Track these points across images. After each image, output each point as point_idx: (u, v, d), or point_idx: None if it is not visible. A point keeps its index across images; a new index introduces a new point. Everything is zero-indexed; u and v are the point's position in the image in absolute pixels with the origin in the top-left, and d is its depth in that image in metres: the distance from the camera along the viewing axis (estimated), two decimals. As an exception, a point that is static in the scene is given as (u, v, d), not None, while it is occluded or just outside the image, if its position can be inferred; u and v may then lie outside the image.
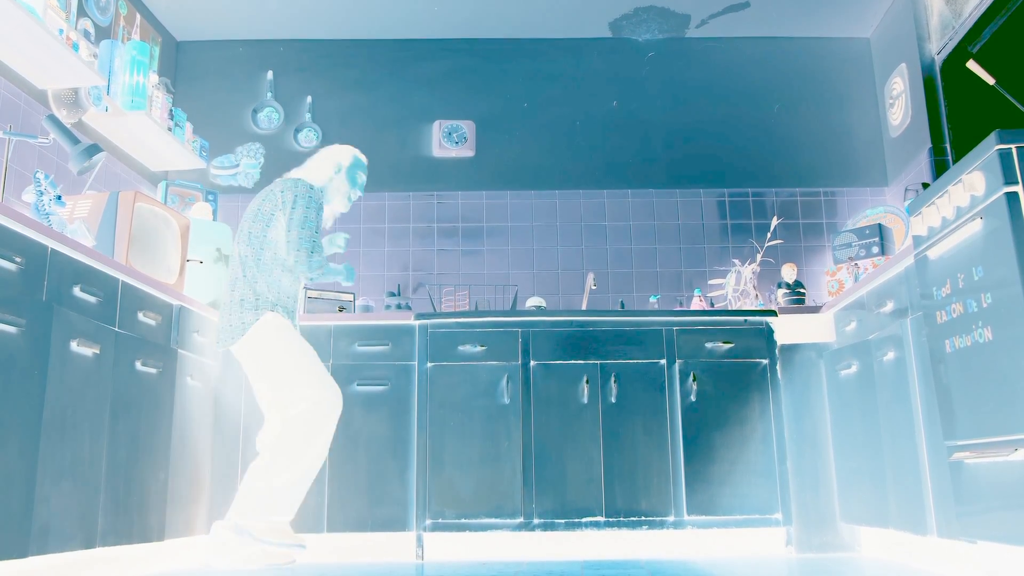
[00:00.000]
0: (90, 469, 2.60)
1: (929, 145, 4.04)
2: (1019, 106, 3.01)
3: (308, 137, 4.65)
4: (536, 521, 3.46)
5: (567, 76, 4.75)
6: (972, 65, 3.11)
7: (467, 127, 4.63)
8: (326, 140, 4.61)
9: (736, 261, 4.39)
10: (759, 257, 4.33)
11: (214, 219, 4.36)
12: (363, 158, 3.51)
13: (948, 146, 4.01)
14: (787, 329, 3.66)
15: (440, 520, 3.46)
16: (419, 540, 3.49)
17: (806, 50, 4.75)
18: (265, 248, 3.20)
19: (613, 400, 3.57)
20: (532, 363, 3.62)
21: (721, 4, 4.47)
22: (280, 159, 4.61)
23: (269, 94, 4.70)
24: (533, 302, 4.14)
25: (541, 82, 4.74)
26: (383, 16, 4.57)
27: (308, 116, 4.67)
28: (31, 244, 2.36)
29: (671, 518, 3.47)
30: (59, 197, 2.94)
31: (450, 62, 4.76)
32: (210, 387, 3.53)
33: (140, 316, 2.96)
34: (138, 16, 4.25)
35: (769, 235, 4.45)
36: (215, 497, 3.47)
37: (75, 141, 3.24)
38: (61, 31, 3.17)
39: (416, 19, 4.60)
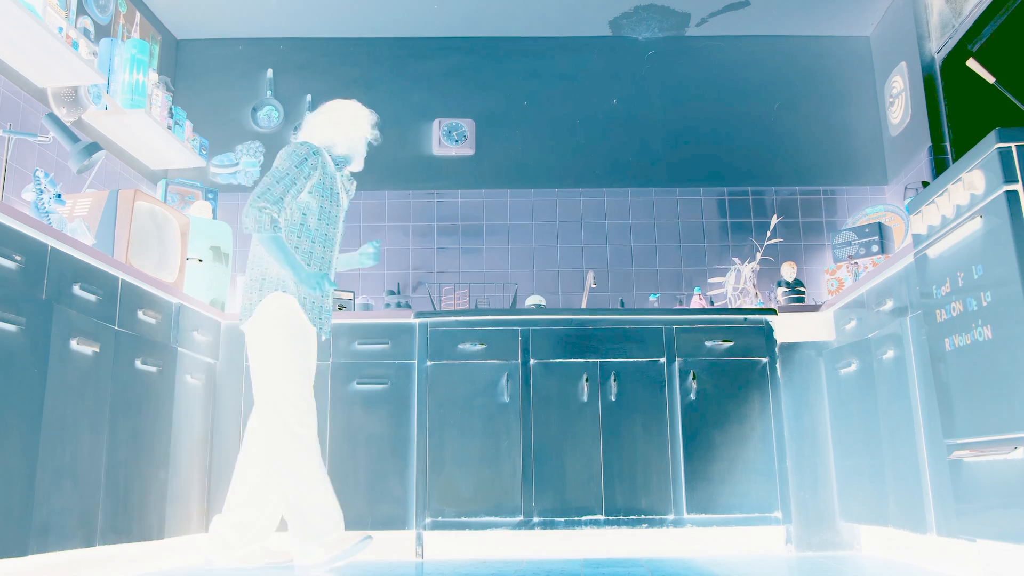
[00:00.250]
0: (90, 467, 2.60)
1: (929, 144, 4.04)
2: (1019, 104, 3.01)
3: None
4: (536, 519, 3.47)
5: (567, 75, 4.75)
6: (972, 63, 3.11)
7: (467, 125, 4.63)
8: (326, 138, 4.60)
9: (736, 260, 4.39)
10: (759, 255, 4.33)
11: (214, 217, 4.36)
12: (370, 114, 3.28)
13: (948, 145, 4.01)
14: (787, 327, 3.66)
15: (440, 518, 3.46)
16: (419, 538, 3.49)
17: (806, 48, 4.75)
18: None
19: (613, 398, 3.57)
20: (532, 361, 3.62)
21: (721, 2, 4.47)
22: (280, 157, 4.61)
23: (269, 92, 4.69)
24: (533, 300, 4.14)
25: (541, 81, 4.74)
26: (383, 14, 4.57)
27: (308, 114, 4.67)
28: (31, 242, 2.36)
29: (671, 516, 3.47)
30: (59, 195, 2.94)
31: (450, 60, 4.75)
32: (210, 386, 3.53)
33: (140, 314, 2.96)
34: (138, 14, 4.25)
35: (769, 233, 4.45)
36: (215, 495, 3.48)
37: (75, 139, 3.24)
38: (61, 29, 3.17)
39: (416, 18, 4.60)
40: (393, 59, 4.75)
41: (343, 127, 3.18)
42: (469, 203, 4.58)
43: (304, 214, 3.04)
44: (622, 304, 4.39)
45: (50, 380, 2.39)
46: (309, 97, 4.68)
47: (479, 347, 3.62)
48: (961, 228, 2.32)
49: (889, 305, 2.98)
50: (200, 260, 3.84)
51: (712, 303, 4.27)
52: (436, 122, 4.63)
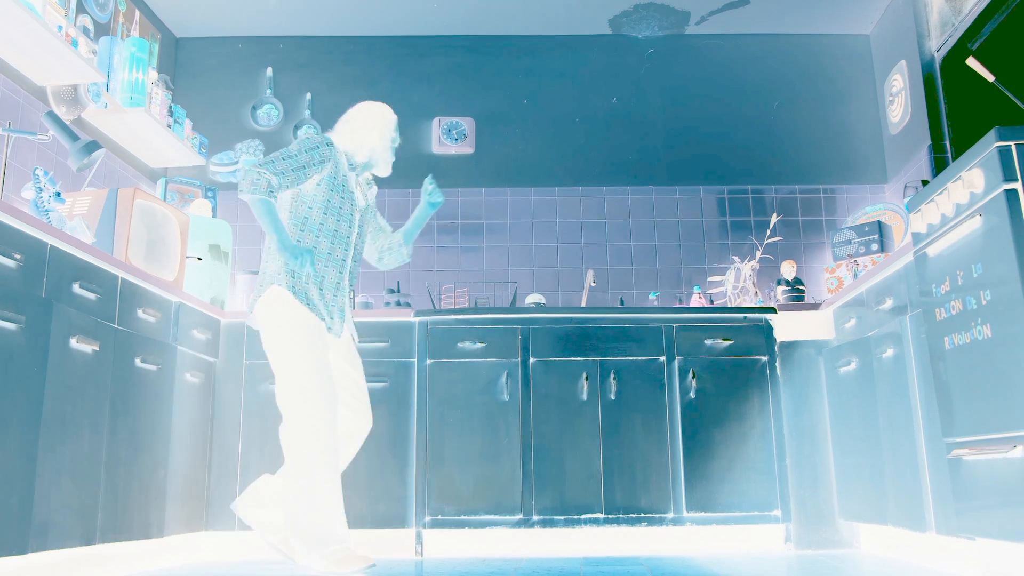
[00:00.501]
0: (90, 466, 2.60)
1: (929, 142, 4.04)
2: (1019, 103, 3.01)
3: (308, 134, 4.64)
4: (535, 518, 3.47)
5: (567, 73, 4.75)
6: (972, 62, 3.11)
7: (467, 124, 4.63)
8: (325, 137, 4.60)
9: (735, 258, 4.39)
10: (758, 254, 4.33)
11: (213, 216, 4.36)
12: (395, 116, 3.24)
13: (948, 143, 4.01)
14: (786, 326, 3.67)
15: (439, 516, 3.47)
16: (418, 536, 3.49)
17: (806, 47, 4.75)
18: (280, 211, 3.02)
19: (612, 397, 3.57)
20: (532, 360, 3.62)
21: (721, 1, 4.47)
22: (279, 156, 4.61)
23: (269, 91, 4.69)
24: (533, 299, 4.14)
25: (541, 79, 4.74)
26: (383, 13, 4.57)
27: (308, 113, 4.67)
28: (30, 241, 2.36)
29: (670, 515, 3.47)
30: (58, 194, 2.94)
31: (450, 59, 4.75)
32: (209, 384, 3.53)
33: (139, 313, 2.96)
34: (137, 13, 4.25)
35: (769, 232, 4.45)
36: (214, 494, 3.48)
37: (74, 138, 3.24)
38: (60, 28, 3.17)
39: (416, 16, 4.60)
40: (393, 57, 4.75)
41: (358, 134, 3.12)
42: (469, 201, 4.58)
43: (310, 207, 2.97)
44: (622, 303, 4.39)
45: (49, 378, 2.40)
46: (309, 95, 4.68)
47: (479, 345, 3.62)
48: (961, 227, 2.32)
49: (889, 304, 2.98)
50: (199, 258, 3.84)
51: (712, 301, 4.27)
52: (436, 120, 4.63)
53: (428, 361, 3.61)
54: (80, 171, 3.40)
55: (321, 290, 2.94)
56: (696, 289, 4.25)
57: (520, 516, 3.47)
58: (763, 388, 3.58)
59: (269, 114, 4.67)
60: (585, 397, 3.57)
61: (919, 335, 2.73)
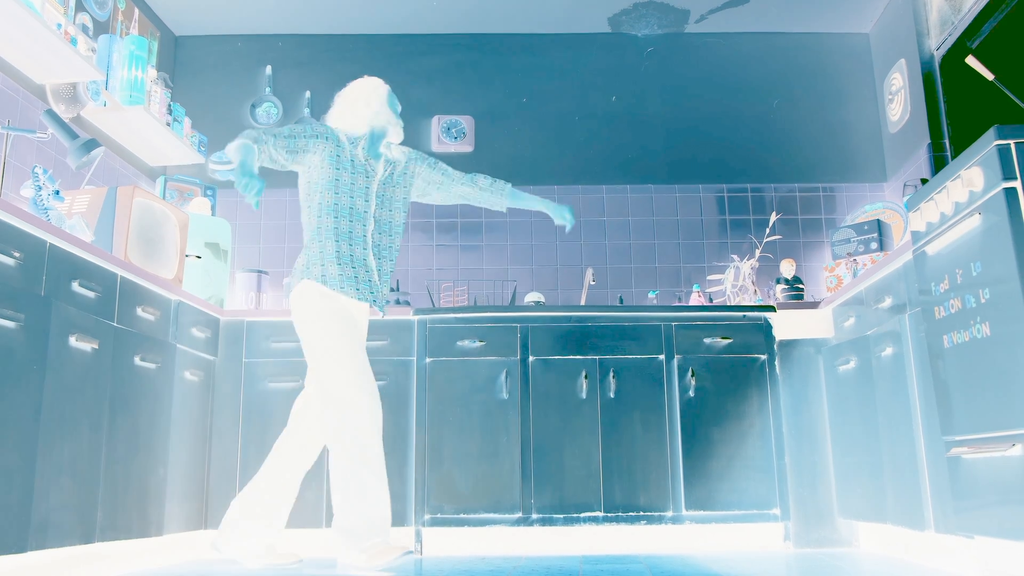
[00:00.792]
0: (89, 464, 2.60)
1: (928, 141, 4.04)
2: (1018, 102, 3.01)
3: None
4: (535, 516, 3.47)
5: (566, 71, 4.75)
6: (971, 61, 3.11)
7: (466, 122, 4.63)
8: (325, 135, 4.60)
9: (735, 257, 4.39)
10: (758, 253, 4.33)
11: (212, 214, 4.36)
12: (386, 86, 3.22)
13: (947, 142, 4.01)
14: (785, 325, 3.67)
15: (439, 515, 3.47)
16: (418, 535, 3.50)
17: (805, 46, 4.75)
18: (302, 211, 3.10)
19: (612, 395, 3.57)
20: (531, 358, 3.62)
21: (720, -1, 4.47)
22: (279, 154, 4.61)
23: (268, 89, 4.69)
24: (532, 297, 4.15)
25: (540, 77, 4.74)
26: (382, 11, 4.56)
27: (307, 111, 4.67)
28: (30, 239, 2.36)
29: (669, 513, 3.47)
30: (57, 192, 2.94)
31: (449, 57, 4.75)
32: (209, 382, 3.53)
33: (139, 311, 2.96)
34: (136, 11, 4.24)
35: (768, 230, 4.45)
36: (213, 492, 3.48)
37: (73, 136, 3.24)
38: (59, 26, 3.17)
39: (415, 14, 4.59)
40: (392, 55, 4.75)
41: (348, 110, 3.12)
42: (468, 200, 4.57)
43: (321, 191, 2.99)
44: (621, 301, 4.39)
45: (49, 377, 2.39)
46: (308, 93, 4.68)
47: (478, 344, 3.62)
48: (960, 225, 2.32)
49: (888, 302, 2.99)
50: (199, 257, 3.84)
51: (711, 300, 4.27)
52: (435, 119, 4.63)
53: (427, 359, 3.61)
54: (79, 169, 3.40)
55: (339, 265, 2.95)
56: (695, 288, 4.25)
57: (519, 514, 3.47)
58: (762, 387, 3.59)
59: (268, 112, 4.67)
60: (584, 395, 3.57)
61: (918, 334, 2.73)
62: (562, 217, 3.37)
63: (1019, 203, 2.11)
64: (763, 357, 3.62)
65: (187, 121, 4.22)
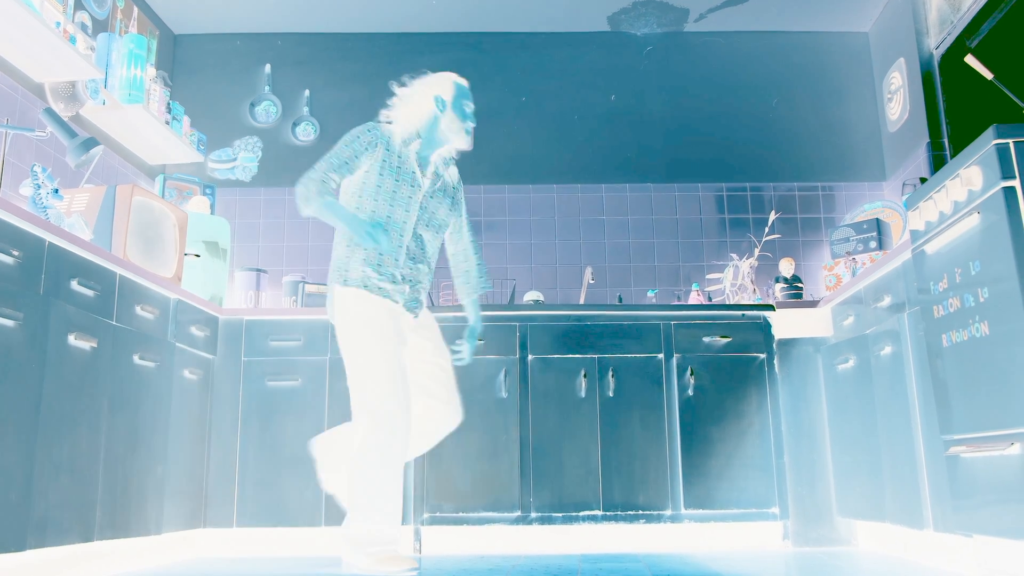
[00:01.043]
0: (88, 463, 2.60)
1: (927, 140, 4.04)
2: (1017, 101, 3.01)
3: (306, 131, 4.64)
4: (533, 515, 3.47)
5: (565, 70, 4.74)
6: (970, 60, 3.11)
7: (465, 121, 4.62)
8: (324, 134, 4.60)
9: (734, 255, 4.40)
10: (757, 251, 4.33)
11: (212, 213, 4.36)
12: (463, 82, 3.03)
13: (946, 141, 4.01)
14: (784, 323, 3.67)
15: (438, 514, 3.47)
16: (417, 534, 3.50)
17: (804, 45, 4.75)
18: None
19: (611, 394, 3.57)
20: (530, 357, 3.62)
21: (720, -2, 4.47)
22: (278, 153, 4.61)
23: (267, 87, 4.69)
24: (531, 296, 4.15)
25: (539, 76, 4.74)
26: (381, 9, 4.56)
27: (306, 110, 4.67)
28: (29, 237, 2.35)
29: (668, 512, 3.48)
30: (56, 191, 2.94)
31: (448, 56, 4.74)
32: (208, 381, 3.53)
33: (138, 310, 2.96)
34: (135, 9, 4.24)
35: (767, 229, 4.45)
36: (212, 491, 3.48)
37: (72, 134, 3.24)
38: (58, 24, 3.16)
39: (414, 13, 4.59)
40: (391, 54, 4.74)
41: (412, 103, 2.90)
42: (467, 199, 4.57)
43: (359, 196, 2.82)
44: (620, 300, 4.39)
45: (48, 375, 2.39)
46: (307, 92, 4.67)
47: (477, 343, 3.61)
48: (959, 224, 2.32)
49: (887, 301, 2.99)
50: (198, 255, 3.84)
51: (710, 299, 4.27)
52: (434, 118, 4.62)
53: (426, 358, 3.60)
54: (78, 168, 3.39)
55: (379, 267, 2.79)
56: (694, 287, 4.25)
57: (518, 513, 3.47)
58: (761, 385, 3.59)
59: (267, 111, 4.67)
60: (583, 394, 3.58)
61: (917, 332, 2.73)
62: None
63: (1018, 202, 2.11)
64: (762, 356, 3.62)
65: (186, 120, 4.22)
